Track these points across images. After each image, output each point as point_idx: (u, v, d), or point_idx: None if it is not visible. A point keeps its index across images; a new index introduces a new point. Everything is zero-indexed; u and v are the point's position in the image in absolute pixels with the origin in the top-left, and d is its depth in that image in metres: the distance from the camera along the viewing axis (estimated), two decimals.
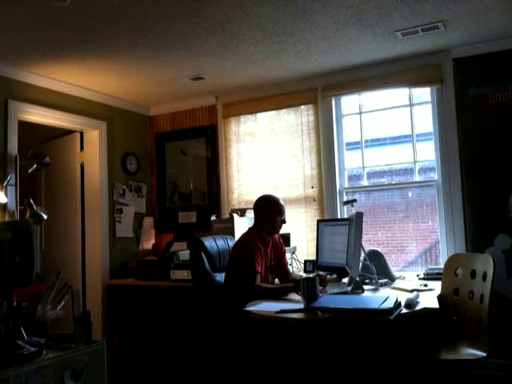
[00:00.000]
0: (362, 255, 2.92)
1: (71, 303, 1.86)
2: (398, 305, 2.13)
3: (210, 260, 3.20)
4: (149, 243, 4.78)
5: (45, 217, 3.66)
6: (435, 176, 3.83)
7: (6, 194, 3.48)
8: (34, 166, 3.69)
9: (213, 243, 3.31)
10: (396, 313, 2.04)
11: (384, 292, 2.70)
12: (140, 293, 4.10)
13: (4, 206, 3.50)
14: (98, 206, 4.36)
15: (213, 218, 4.15)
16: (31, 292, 1.91)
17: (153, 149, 5.00)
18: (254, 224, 3.07)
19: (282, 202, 3.08)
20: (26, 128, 3.95)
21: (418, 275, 3.33)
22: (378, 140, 4.17)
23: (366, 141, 4.14)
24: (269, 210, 3.00)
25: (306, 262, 3.83)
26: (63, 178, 4.56)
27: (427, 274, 3.21)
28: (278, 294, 2.70)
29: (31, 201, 3.61)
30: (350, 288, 2.70)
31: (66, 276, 2.13)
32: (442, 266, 2.87)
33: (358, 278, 2.72)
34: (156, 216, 4.90)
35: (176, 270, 3.94)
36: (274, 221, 2.99)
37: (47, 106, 3.92)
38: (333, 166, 4.12)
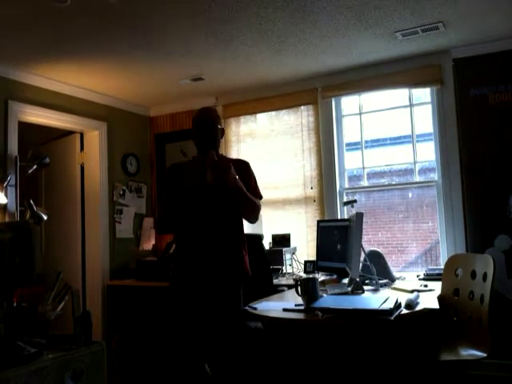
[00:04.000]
0: (362, 256, 2.92)
1: (71, 304, 1.87)
2: (398, 305, 2.13)
3: None
4: (149, 244, 4.77)
5: (45, 217, 3.66)
6: (435, 176, 3.83)
7: (6, 195, 3.48)
8: (34, 166, 3.69)
9: None
10: (396, 313, 2.04)
11: (384, 292, 2.70)
12: (140, 293, 4.10)
13: (4, 207, 3.50)
14: (98, 207, 4.35)
15: None
16: (31, 292, 1.91)
17: (153, 149, 5.00)
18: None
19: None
20: (26, 129, 3.95)
21: (418, 276, 3.32)
22: (378, 140, 4.17)
23: (366, 141, 4.14)
24: None
25: (306, 262, 3.83)
26: (63, 179, 4.56)
27: (427, 275, 3.21)
28: None
29: (31, 201, 3.60)
30: (350, 289, 2.69)
31: (66, 277, 2.14)
32: (442, 267, 2.86)
33: (358, 279, 2.72)
34: (156, 217, 4.90)
35: None
36: None
37: (47, 106, 3.92)
38: (333, 166, 4.12)
